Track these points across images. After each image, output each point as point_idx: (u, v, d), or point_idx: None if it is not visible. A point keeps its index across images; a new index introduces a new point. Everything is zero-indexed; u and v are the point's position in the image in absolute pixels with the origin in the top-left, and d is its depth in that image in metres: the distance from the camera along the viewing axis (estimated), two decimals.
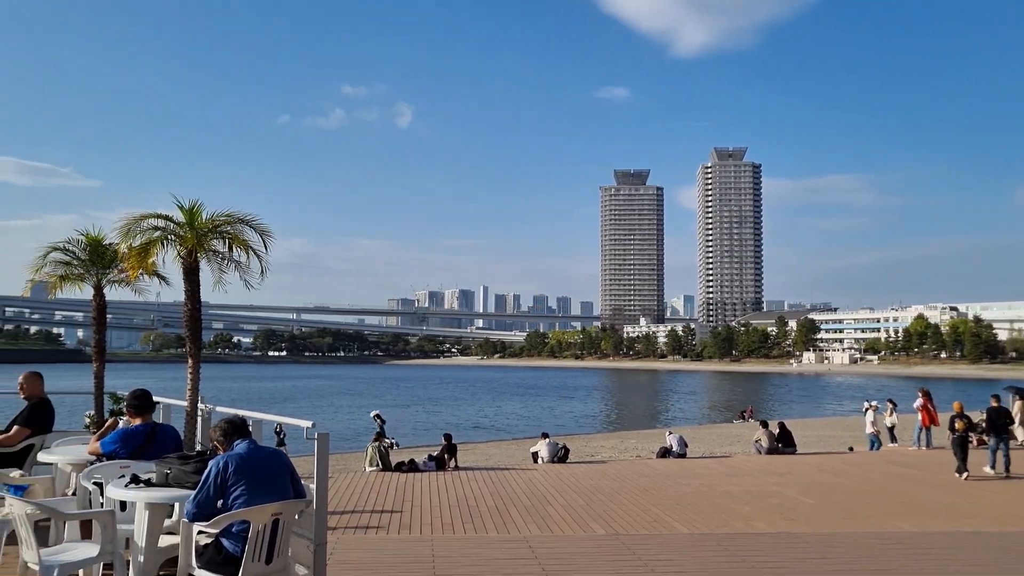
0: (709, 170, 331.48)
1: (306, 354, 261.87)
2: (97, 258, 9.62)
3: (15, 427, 8.39)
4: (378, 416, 22.20)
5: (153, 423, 6.88)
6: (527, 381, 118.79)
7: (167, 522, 5.67)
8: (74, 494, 6.64)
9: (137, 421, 6.77)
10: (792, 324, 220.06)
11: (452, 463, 18.40)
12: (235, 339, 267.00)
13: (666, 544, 9.47)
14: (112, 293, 10.02)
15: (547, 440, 20.90)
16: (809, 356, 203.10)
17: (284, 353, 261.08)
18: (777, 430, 22.71)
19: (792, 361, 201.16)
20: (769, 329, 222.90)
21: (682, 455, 20.75)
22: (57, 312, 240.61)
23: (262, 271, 8.44)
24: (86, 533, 5.97)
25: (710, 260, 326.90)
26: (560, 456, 20.09)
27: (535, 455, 20.50)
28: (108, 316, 10.26)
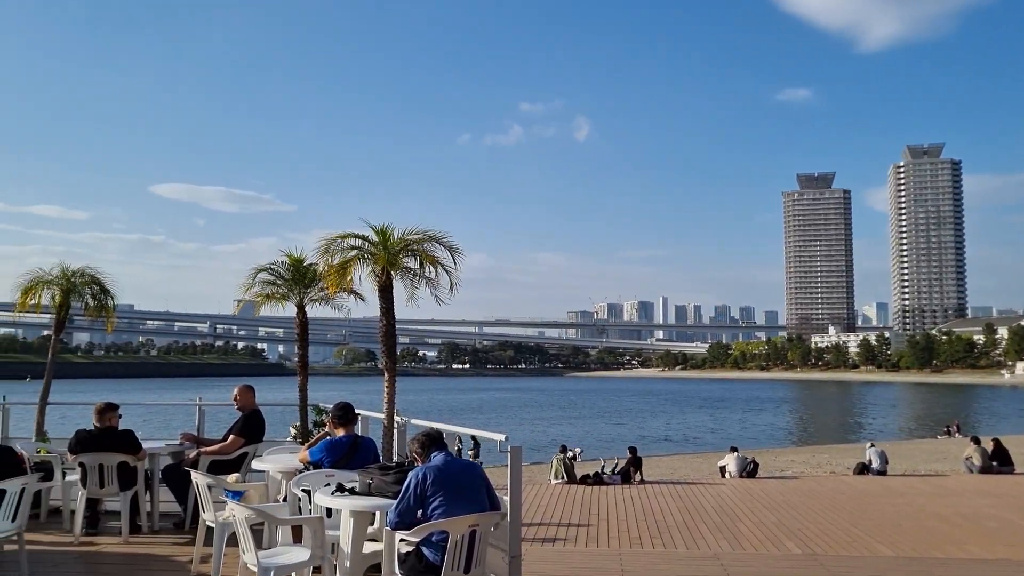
0: (902, 169, 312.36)
1: (488, 367, 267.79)
2: (299, 277, 10.21)
3: (231, 436, 9.04)
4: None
5: (355, 435, 7.21)
6: (711, 393, 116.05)
7: (370, 529, 5.92)
8: (284, 500, 7.06)
9: (340, 432, 7.11)
10: (1003, 332, 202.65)
11: (637, 476, 18.22)
12: (420, 353, 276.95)
13: (870, 567, 8.91)
14: (309, 310, 10.60)
15: (735, 454, 20.29)
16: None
17: (467, 366, 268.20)
18: (991, 447, 20.95)
19: (1004, 372, 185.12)
20: (975, 337, 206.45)
21: (882, 472, 19.56)
22: (260, 328, 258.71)
23: (452, 287, 8.67)
24: (297, 537, 6.32)
25: (905, 264, 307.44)
26: (749, 470, 19.45)
27: (722, 469, 19.95)
28: (296, 332, 10.87)
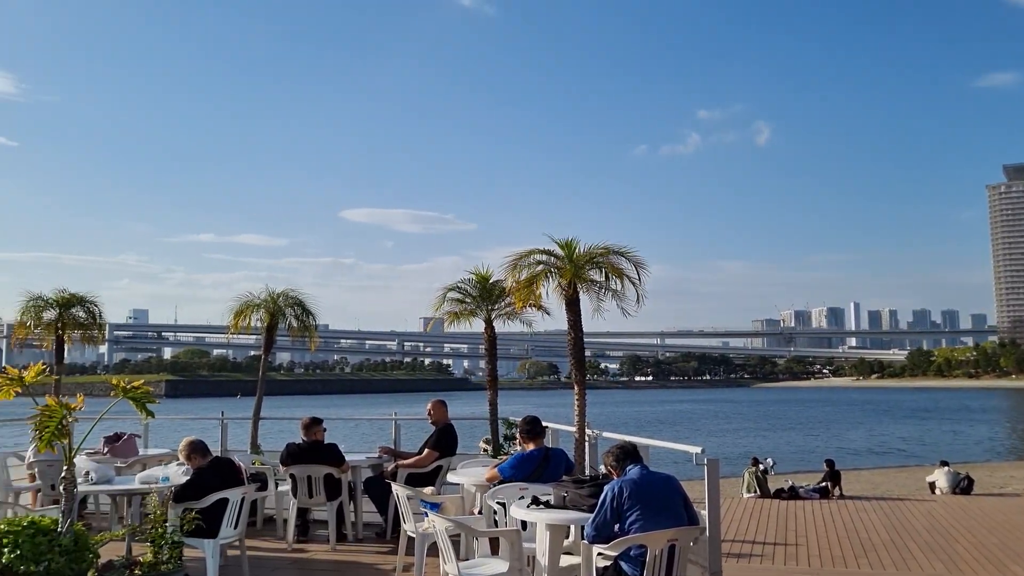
0: None
1: (671, 378, 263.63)
2: (486, 294, 10.42)
3: (426, 450, 9.33)
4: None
5: (545, 447, 7.25)
6: (913, 403, 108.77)
7: (566, 542, 5.92)
8: (479, 512, 7.19)
9: (531, 446, 7.18)
10: None
11: (836, 491, 17.31)
12: (602, 365, 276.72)
13: None
14: (494, 326, 10.78)
15: (946, 468, 18.88)
16: None
17: (650, 378, 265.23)
18: None
19: None
20: None
21: None
22: (445, 345, 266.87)
23: (637, 298, 8.59)
24: (494, 549, 6.42)
25: None
26: (962, 487, 18.03)
27: (932, 485, 18.60)
28: (484, 347, 11.07)
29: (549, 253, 8.65)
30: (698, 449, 5.55)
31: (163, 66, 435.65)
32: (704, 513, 5.40)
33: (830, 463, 18.45)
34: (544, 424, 9.28)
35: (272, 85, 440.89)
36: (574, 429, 8.66)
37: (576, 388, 8.78)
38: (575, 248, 8.58)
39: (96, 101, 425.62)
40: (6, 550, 4.96)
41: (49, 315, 11.61)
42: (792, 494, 16.67)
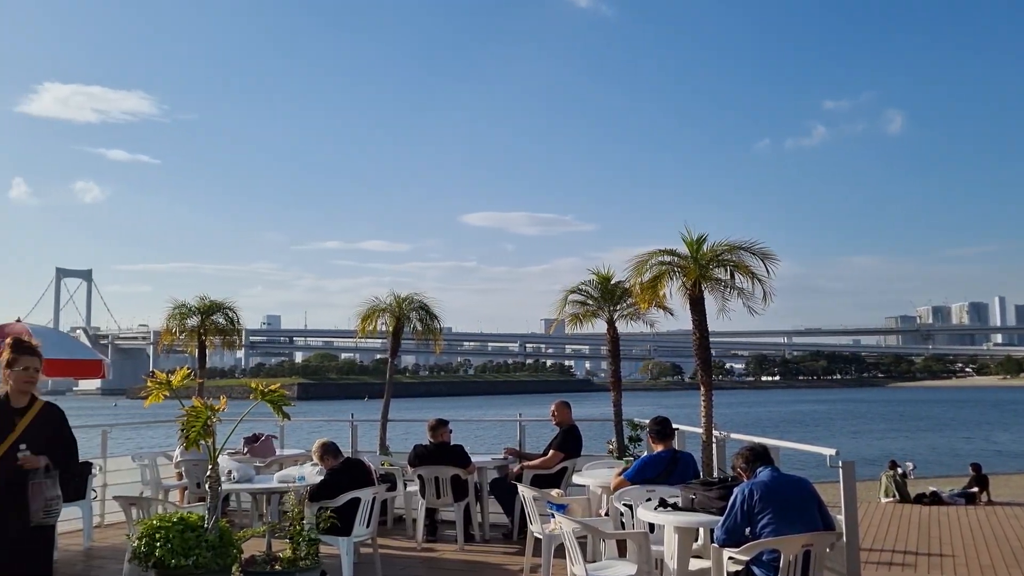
0: None
1: (799, 378, 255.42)
2: (608, 295, 10.36)
3: (551, 451, 9.36)
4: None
5: (673, 449, 7.15)
6: None
7: (694, 545, 5.82)
8: (606, 514, 7.16)
9: (659, 447, 7.09)
10: None
11: (983, 497, 16.37)
12: (727, 365, 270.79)
13: None
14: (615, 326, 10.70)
15: None
16: None
17: (777, 378, 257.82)
18: None
19: None
20: None
21: None
22: (567, 346, 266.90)
23: (765, 296, 8.36)
24: (621, 552, 6.38)
25: None
26: None
27: None
28: (607, 348, 10.98)
29: (672, 253, 8.53)
30: (832, 451, 5.35)
31: (291, 82, 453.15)
32: (840, 518, 5.20)
33: (976, 467, 17.47)
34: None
35: (393, 96, 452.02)
36: (701, 430, 8.51)
37: (702, 389, 8.63)
38: (701, 245, 8.43)
39: (230, 118, 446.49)
40: (158, 544, 5.25)
41: (192, 322, 12.23)
42: (935, 499, 15.87)
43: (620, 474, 7.19)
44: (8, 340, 5.14)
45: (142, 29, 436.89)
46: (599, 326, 10.95)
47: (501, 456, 9.86)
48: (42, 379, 9.80)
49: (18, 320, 10.01)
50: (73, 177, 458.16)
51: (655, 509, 5.84)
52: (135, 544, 5.36)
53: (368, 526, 7.21)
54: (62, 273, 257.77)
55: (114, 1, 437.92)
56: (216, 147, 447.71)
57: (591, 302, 10.59)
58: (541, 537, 6.99)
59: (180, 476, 10.34)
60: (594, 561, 6.28)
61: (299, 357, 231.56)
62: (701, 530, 5.86)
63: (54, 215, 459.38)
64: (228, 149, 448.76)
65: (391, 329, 11.81)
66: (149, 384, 5.86)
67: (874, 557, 10.09)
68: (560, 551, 6.49)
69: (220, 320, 12.42)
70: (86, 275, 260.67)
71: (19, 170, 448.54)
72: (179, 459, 10.15)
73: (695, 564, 5.65)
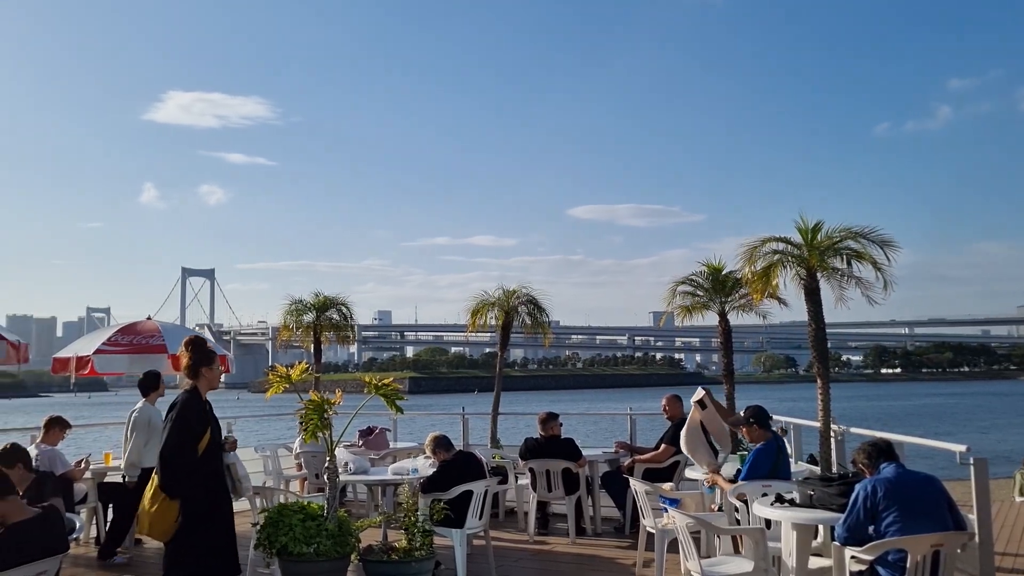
0: None
1: (923, 371, 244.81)
2: (719, 286, 10.16)
3: (663, 445, 9.25)
4: None
5: (778, 436, 6.98)
6: None
7: (813, 543, 5.65)
8: (719, 509, 7.02)
9: (759, 437, 6.92)
10: None
11: None
12: (844, 357, 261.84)
13: None
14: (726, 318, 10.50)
15: None
16: None
17: (898, 370, 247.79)
18: None
19: None
20: None
21: None
22: (677, 339, 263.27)
23: (885, 285, 8.03)
24: (736, 548, 6.24)
25: None
26: None
27: None
28: (719, 340, 10.77)
29: (786, 241, 8.28)
30: (962, 447, 5.10)
31: (397, 81, 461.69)
32: (972, 517, 4.95)
33: None
34: (784, 419, 8.97)
35: (500, 92, 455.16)
36: (818, 424, 8.25)
37: (819, 382, 8.35)
38: (816, 233, 8.15)
39: (340, 118, 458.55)
40: (281, 532, 5.44)
41: (308, 318, 12.61)
42: None
43: (735, 474, 7.00)
44: (189, 343, 5.78)
45: (257, 37, 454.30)
46: (710, 318, 10.77)
47: (612, 450, 9.81)
48: (168, 373, 10.35)
49: (148, 318, 10.56)
50: (198, 181, 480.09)
51: (771, 505, 5.69)
52: (259, 532, 5.57)
53: (480, 518, 7.28)
54: (187, 273, 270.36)
55: (231, 12, 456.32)
56: (327, 147, 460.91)
57: (702, 293, 10.41)
58: (654, 532, 6.92)
59: (299, 467, 10.69)
60: (708, 557, 6.17)
61: (410, 351, 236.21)
62: (820, 527, 5.68)
63: (180, 217, 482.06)
64: (338, 149, 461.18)
65: (500, 323, 11.89)
66: (270, 378, 6.08)
67: (1008, 562, 9.57)
68: (673, 546, 6.41)
69: (334, 316, 12.76)
70: (209, 274, 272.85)
71: (148, 175, 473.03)
72: (298, 451, 10.49)
73: (815, 562, 5.48)
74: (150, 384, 8.49)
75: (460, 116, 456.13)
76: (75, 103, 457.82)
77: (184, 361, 5.68)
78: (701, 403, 7.78)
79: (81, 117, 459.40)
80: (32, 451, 8.25)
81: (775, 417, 8.73)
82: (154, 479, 5.31)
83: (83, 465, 8.45)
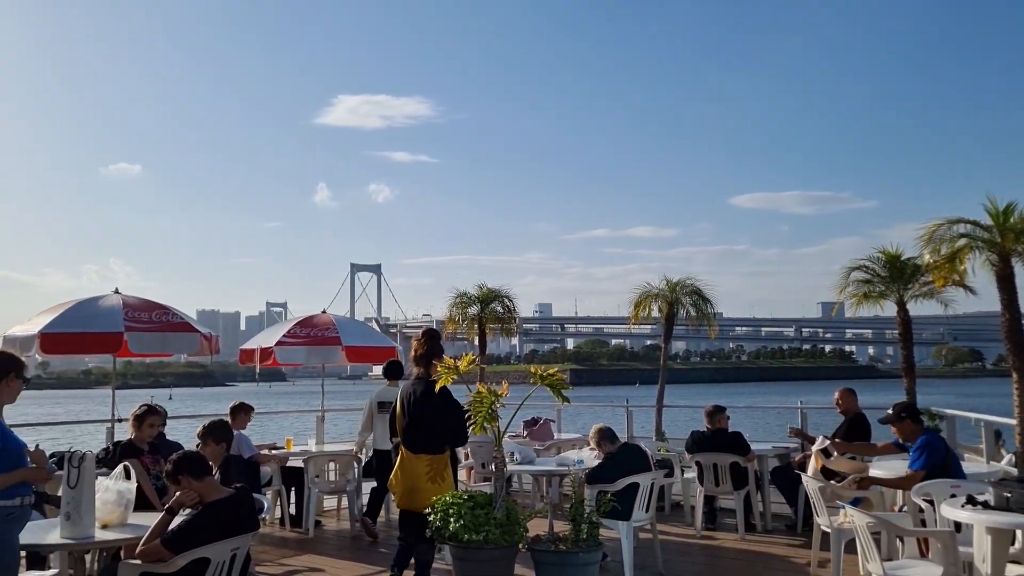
0: None
1: None
2: (896, 274, 9.62)
3: (837, 440, 8.85)
4: None
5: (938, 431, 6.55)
6: None
7: (1011, 549, 5.24)
8: (901, 509, 6.65)
9: (911, 432, 6.52)
10: None
11: None
12: None
13: None
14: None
15: None
16: None
17: None
18: None
19: None
20: None
21: None
22: (847, 330, 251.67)
23: None
24: (921, 551, 5.89)
25: None
26: None
27: None
28: (898, 332, 10.20)
29: (975, 223, 7.71)
30: None
31: (556, 75, 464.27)
32: None
33: None
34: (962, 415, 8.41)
35: (659, 79, 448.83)
36: (1014, 422, 7.66)
37: (1014, 376, 7.75)
38: (1009, 215, 7.55)
39: (500, 115, 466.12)
40: (451, 519, 5.58)
41: (472, 310, 12.90)
42: None
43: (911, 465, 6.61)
44: (424, 334, 6.71)
45: (419, 39, 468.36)
46: (885, 308, 10.22)
47: (788, 434, 9.47)
48: (341, 364, 10.85)
49: (323, 312, 11.10)
50: (367, 180, 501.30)
51: (962, 506, 5.32)
52: (431, 519, 5.73)
53: (647, 511, 7.21)
54: (356, 268, 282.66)
55: (393, 15, 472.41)
56: (488, 144, 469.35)
57: (877, 282, 9.88)
58: (829, 531, 6.63)
59: (466, 456, 10.94)
60: (890, 560, 5.85)
61: (570, 344, 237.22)
62: (1019, 532, 5.27)
63: (350, 215, 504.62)
64: (499, 145, 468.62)
65: (664, 314, 11.73)
66: (439, 369, 6.24)
67: None
68: (850, 546, 6.12)
69: (498, 308, 12.98)
70: (376, 269, 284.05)
71: (321, 176, 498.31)
72: None
73: (1012, 570, 5.08)
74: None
75: (619, 107, 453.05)
76: (256, 111, 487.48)
77: (419, 351, 6.51)
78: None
79: (260, 124, 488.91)
80: None
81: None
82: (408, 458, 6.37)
83: (268, 451, 9.02)
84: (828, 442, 7.61)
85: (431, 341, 6.57)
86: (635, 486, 7.10)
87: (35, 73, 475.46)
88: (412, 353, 6.72)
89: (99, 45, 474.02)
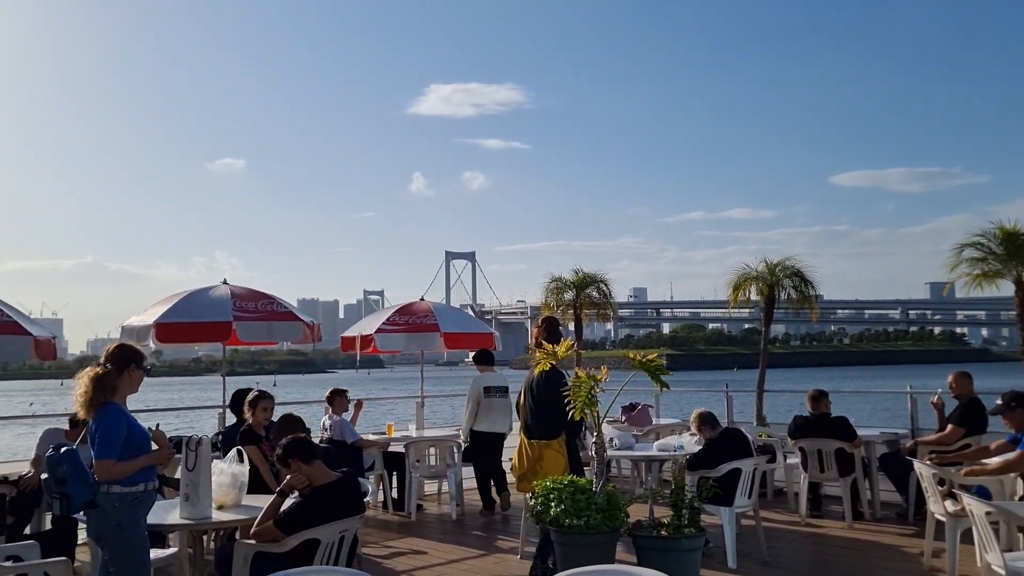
0: None
1: None
2: (1014, 251, 9.17)
3: (950, 426, 8.52)
4: None
5: None
6: None
7: None
8: (1021, 498, 6.36)
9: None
10: None
11: None
12: None
13: None
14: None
15: None
16: None
17: None
18: None
19: None
20: None
21: None
22: (958, 312, 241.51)
23: None
24: None
25: None
26: None
27: None
28: (1015, 313, 9.71)
29: None
30: None
31: (647, 56, 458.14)
32: None
33: None
34: None
35: (754, 60, 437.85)
36: None
37: None
38: None
39: (591, 98, 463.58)
40: (552, 504, 5.60)
41: (568, 295, 12.89)
42: None
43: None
44: (544, 321, 6.94)
45: (509, 26, 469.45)
46: (1001, 288, 9.76)
47: (931, 403, 9.13)
48: (439, 350, 11.01)
49: (421, 299, 11.26)
50: (461, 168, 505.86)
51: None
52: (532, 503, 5.77)
53: (749, 497, 7.10)
54: (450, 256, 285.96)
55: (481, 2, 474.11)
56: (579, 128, 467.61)
57: (992, 260, 9.43)
58: (943, 520, 6.39)
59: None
60: (1011, 551, 5.60)
61: (666, 328, 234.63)
62: None
63: (445, 203, 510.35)
64: (591, 129, 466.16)
65: (763, 297, 11.48)
66: (538, 354, 6.27)
67: None
68: (967, 536, 5.89)
69: (593, 293, 12.94)
70: (470, 257, 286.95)
71: (416, 166, 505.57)
72: None
73: None
74: (486, 359, 9.76)
75: (713, 86, 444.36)
76: (351, 105, 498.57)
77: (539, 338, 6.68)
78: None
79: (356, 117, 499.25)
80: (326, 421, 9.16)
81: None
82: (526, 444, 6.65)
83: (370, 437, 9.26)
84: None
85: (551, 329, 6.79)
86: (737, 472, 7.00)
87: (148, 74, 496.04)
88: (532, 341, 6.93)
89: (205, 45, 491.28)
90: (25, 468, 7.35)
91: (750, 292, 11.54)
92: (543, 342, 6.51)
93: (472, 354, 9.93)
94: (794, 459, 8.96)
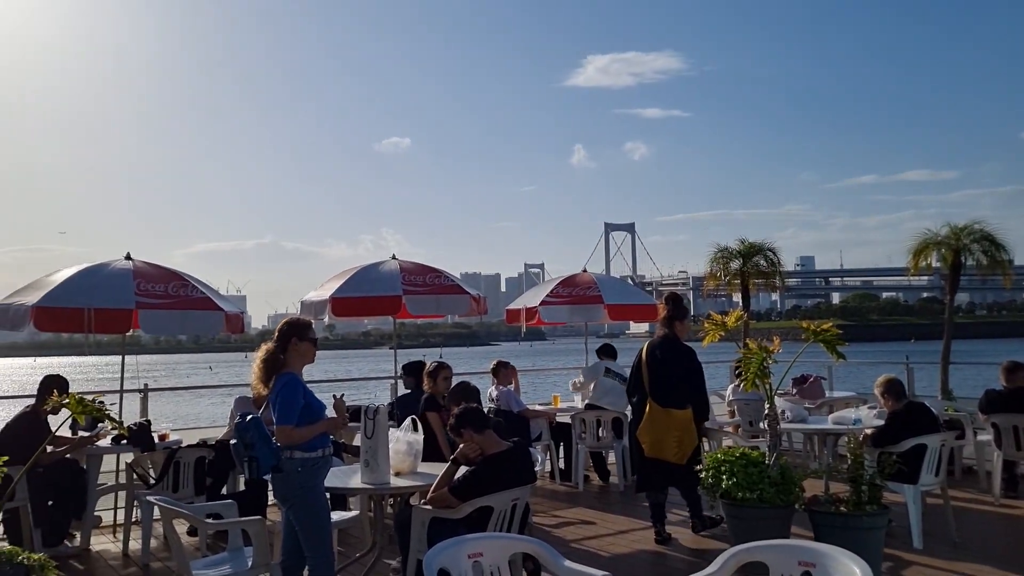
0: None
1: None
2: None
3: None
4: None
5: None
6: None
7: None
8: None
9: None
10: None
11: None
12: None
13: None
14: None
15: None
16: None
17: None
18: None
19: None
20: None
21: None
22: None
23: None
24: None
25: None
26: None
27: None
28: None
29: None
30: None
31: (809, 12, 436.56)
32: None
33: None
34: None
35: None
36: None
37: None
38: None
39: (756, 62, 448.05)
40: (724, 476, 5.50)
41: (734, 265, 12.53)
42: None
43: None
44: (669, 298, 7.17)
45: None
46: None
47: None
48: (603, 322, 10.98)
49: (584, 271, 11.26)
50: (622, 139, 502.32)
51: None
52: (703, 476, 5.68)
53: (936, 475, 6.70)
54: (610, 228, 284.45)
55: None
56: (742, 93, 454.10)
57: None
58: None
59: (732, 414, 10.71)
60: None
61: (835, 298, 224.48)
62: None
63: (607, 175, 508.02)
64: (754, 94, 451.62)
65: (947, 263, 10.76)
66: (706, 325, 6.15)
67: None
68: None
69: (760, 262, 12.53)
70: (630, 228, 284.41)
71: (576, 138, 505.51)
72: (731, 398, 10.51)
73: None
74: (610, 353, 9.80)
75: (887, 39, 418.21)
76: (510, 80, 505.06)
77: (663, 313, 7.05)
78: None
79: (515, 91, 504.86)
80: (492, 392, 9.34)
81: None
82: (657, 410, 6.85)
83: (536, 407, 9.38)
84: None
85: (675, 305, 7.08)
86: (922, 448, 6.62)
87: (319, 64, 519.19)
88: (659, 315, 7.20)
89: (370, 32, 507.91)
90: (221, 434, 7.91)
91: (932, 258, 10.84)
92: (673, 318, 6.95)
93: (638, 325, 9.88)
94: (986, 436, 8.38)
